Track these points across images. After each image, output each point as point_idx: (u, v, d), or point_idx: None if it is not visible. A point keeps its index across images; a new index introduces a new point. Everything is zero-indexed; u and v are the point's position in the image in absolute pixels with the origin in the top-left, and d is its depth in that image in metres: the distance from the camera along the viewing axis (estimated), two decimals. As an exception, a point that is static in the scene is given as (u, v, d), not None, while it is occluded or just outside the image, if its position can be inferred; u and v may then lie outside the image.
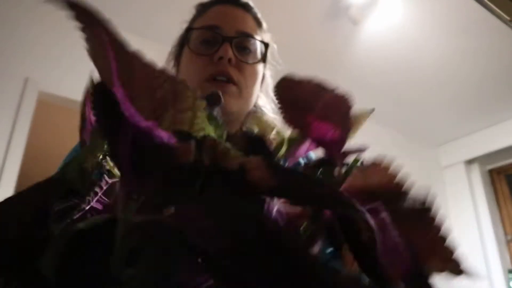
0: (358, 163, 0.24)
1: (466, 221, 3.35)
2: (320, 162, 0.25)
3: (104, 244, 0.19)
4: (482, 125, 3.37)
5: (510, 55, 2.55)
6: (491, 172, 3.50)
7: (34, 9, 2.08)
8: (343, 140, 0.23)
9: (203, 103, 0.20)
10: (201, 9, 0.72)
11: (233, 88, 0.63)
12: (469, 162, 3.51)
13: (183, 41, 0.70)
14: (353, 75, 2.81)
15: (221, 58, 0.63)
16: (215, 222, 0.17)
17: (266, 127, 0.27)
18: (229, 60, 0.63)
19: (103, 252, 0.19)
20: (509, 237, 3.24)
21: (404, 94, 3.00)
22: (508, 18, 1.77)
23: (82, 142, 0.28)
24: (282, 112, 0.24)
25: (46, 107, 2.32)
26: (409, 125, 3.39)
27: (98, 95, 0.20)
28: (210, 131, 0.23)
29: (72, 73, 2.08)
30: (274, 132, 0.27)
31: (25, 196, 0.22)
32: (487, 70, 2.70)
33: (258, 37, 0.69)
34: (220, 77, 0.63)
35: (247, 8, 0.72)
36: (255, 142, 0.25)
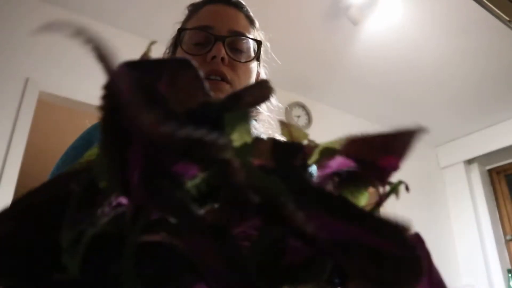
0: (400, 186, 0.23)
1: (466, 221, 3.36)
2: (352, 178, 0.24)
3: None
4: (481, 125, 3.37)
5: (509, 55, 2.55)
6: (490, 172, 3.50)
7: (35, 9, 2.08)
8: (397, 167, 0.22)
9: (230, 146, 0.19)
10: (192, 10, 0.72)
11: (226, 87, 0.64)
12: (469, 162, 3.52)
13: (176, 42, 0.70)
14: (353, 75, 2.81)
15: (214, 57, 0.63)
16: (220, 258, 0.17)
17: (299, 134, 0.25)
18: (222, 59, 0.64)
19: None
20: (508, 237, 3.25)
21: (404, 94, 3.00)
22: (507, 18, 1.77)
23: None
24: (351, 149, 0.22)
25: (46, 107, 2.33)
26: (408, 125, 3.39)
27: (108, 112, 0.20)
28: (237, 138, 0.22)
29: (72, 73, 2.08)
30: (306, 140, 0.25)
31: (44, 191, 0.22)
32: (486, 70, 2.70)
33: (250, 36, 0.69)
34: (213, 76, 0.63)
35: (238, 6, 0.71)
36: (287, 151, 0.24)
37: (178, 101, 0.21)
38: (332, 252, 0.17)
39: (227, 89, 0.63)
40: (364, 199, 0.24)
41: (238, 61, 0.66)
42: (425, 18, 2.31)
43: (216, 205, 0.21)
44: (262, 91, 0.26)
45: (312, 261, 0.20)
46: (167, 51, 0.74)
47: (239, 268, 0.17)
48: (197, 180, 0.19)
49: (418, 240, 0.20)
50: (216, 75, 0.63)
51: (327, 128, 2.89)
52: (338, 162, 0.25)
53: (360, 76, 2.81)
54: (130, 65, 0.21)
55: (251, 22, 0.72)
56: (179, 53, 0.69)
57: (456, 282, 3.21)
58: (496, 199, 3.39)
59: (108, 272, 0.18)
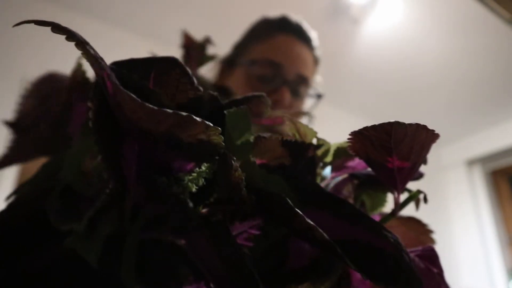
0: (420, 195, 0.22)
1: (467, 222, 3.33)
2: (369, 182, 0.23)
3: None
4: (484, 125, 3.35)
5: (511, 54, 2.54)
6: (493, 173, 3.44)
7: (40, 10, 2.07)
8: (413, 171, 0.21)
9: (217, 129, 0.19)
10: (263, 32, 0.69)
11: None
12: (471, 162, 3.48)
13: (233, 60, 0.67)
14: (353, 74, 2.80)
15: (277, 101, 0.62)
16: (215, 254, 0.17)
17: (306, 132, 0.25)
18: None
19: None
20: None
21: (404, 93, 2.99)
22: (508, 16, 1.76)
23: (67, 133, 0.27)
24: (362, 156, 0.22)
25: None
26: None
27: (99, 109, 0.19)
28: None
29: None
30: (315, 139, 0.25)
31: (19, 213, 0.22)
32: (489, 68, 2.69)
33: (313, 81, 0.69)
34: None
35: (310, 45, 0.70)
36: (296, 149, 0.23)
37: (169, 97, 0.20)
38: (335, 250, 0.16)
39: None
40: (381, 203, 0.23)
41: (295, 107, 0.67)
42: (425, 17, 2.31)
43: (214, 202, 0.20)
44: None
45: (317, 263, 0.19)
46: (226, 57, 0.70)
47: (238, 268, 0.16)
48: (195, 175, 0.19)
49: (432, 255, 0.19)
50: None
51: (327, 128, 2.87)
52: (354, 164, 0.24)
53: (360, 76, 2.80)
54: (118, 64, 0.20)
55: (316, 63, 0.72)
56: (237, 75, 0.66)
57: (457, 284, 3.20)
58: (499, 200, 3.35)
59: (108, 269, 0.18)
